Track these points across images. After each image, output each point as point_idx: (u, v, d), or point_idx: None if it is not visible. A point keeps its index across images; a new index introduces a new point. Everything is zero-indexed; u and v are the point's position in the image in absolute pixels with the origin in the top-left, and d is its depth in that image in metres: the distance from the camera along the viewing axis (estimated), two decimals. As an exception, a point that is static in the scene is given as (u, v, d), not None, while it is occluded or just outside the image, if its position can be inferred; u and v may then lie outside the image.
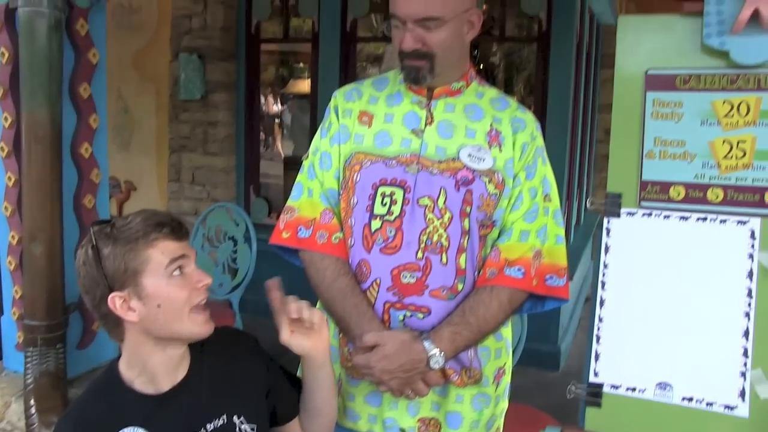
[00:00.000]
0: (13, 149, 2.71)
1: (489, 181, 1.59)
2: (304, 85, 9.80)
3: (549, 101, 4.36)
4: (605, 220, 1.82)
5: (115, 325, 1.38)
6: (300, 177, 1.76)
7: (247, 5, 5.19)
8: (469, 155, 1.60)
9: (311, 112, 5.26)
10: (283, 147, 10.18)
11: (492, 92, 1.73)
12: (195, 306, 1.38)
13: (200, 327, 1.40)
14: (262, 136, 8.18)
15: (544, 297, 1.66)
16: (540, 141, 1.69)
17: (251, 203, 5.44)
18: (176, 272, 1.35)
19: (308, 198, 1.71)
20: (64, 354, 2.66)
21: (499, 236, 1.65)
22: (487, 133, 1.63)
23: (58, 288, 2.62)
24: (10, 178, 2.75)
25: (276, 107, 10.45)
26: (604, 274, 1.82)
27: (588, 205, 1.90)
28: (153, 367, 1.40)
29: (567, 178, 4.75)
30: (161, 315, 1.34)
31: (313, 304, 1.76)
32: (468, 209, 1.59)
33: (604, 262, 1.82)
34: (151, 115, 5.53)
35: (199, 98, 5.12)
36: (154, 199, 5.57)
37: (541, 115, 4.30)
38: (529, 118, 1.69)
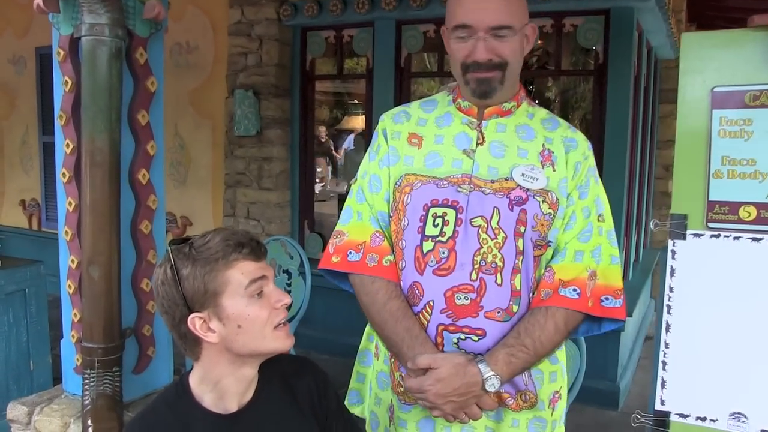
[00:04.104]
0: (74, 175, 2.75)
1: (543, 201, 1.55)
2: (357, 122, 9.89)
3: (606, 136, 4.27)
4: (670, 243, 1.76)
5: (194, 344, 1.36)
6: (349, 201, 1.73)
7: (301, 43, 5.26)
8: (523, 175, 1.56)
9: (366, 149, 5.24)
10: (337, 184, 10.22)
11: (542, 113, 1.69)
12: (275, 326, 1.36)
13: (282, 342, 1.38)
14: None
15: (600, 319, 1.61)
16: (592, 161, 1.65)
17: (305, 238, 5.46)
18: (256, 293, 1.33)
19: (358, 221, 1.69)
20: (120, 377, 2.67)
21: (553, 257, 1.60)
22: (539, 153, 1.60)
23: (115, 311, 2.64)
24: (70, 204, 2.79)
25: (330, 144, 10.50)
26: (669, 298, 1.74)
27: (652, 226, 1.83)
28: (224, 387, 1.39)
29: (625, 215, 4.63)
30: (242, 335, 1.33)
31: (363, 328, 1.73)
32: (522, 229, 1.54)
33: (670, 286, 1.75)
34: (207, 151, 5.62)
35: (254, 134, 5.17)
36: (209, 233, 5.60)
37: (598, 150, 4.19)
38: (580, 137, 1.65)
